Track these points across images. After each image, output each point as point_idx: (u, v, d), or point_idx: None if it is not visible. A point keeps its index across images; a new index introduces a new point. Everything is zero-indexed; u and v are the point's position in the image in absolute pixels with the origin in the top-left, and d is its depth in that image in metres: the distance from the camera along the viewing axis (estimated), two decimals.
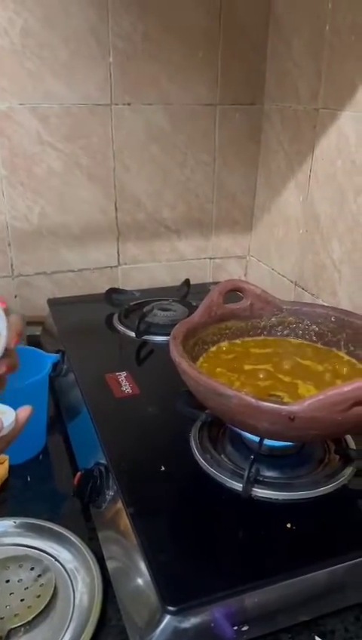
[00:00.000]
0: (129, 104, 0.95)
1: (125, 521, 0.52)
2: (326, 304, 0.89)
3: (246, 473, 0.53)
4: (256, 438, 0.56)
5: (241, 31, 0.96)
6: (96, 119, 0.94)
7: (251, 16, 0.95)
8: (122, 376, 0.75)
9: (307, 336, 0.68)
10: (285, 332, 0.69)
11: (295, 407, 0.46)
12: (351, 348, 0.63)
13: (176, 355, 0.55)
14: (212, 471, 0.57)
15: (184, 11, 0.91)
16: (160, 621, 0.44)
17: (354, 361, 0.63)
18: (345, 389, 0.44)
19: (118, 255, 1.05)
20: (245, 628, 0.46)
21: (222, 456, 0.60)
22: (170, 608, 0.43)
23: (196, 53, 0.95)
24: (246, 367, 0.63)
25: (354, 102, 0.78)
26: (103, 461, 0.60)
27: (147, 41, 0.91)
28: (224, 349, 0.67)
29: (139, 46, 0.91)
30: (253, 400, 0.47)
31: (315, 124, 0.88)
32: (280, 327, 0.69)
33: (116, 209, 1.01)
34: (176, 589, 0.45)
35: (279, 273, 1.05)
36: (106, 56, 0.90)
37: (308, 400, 0.46)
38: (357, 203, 0.80)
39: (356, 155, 0.79)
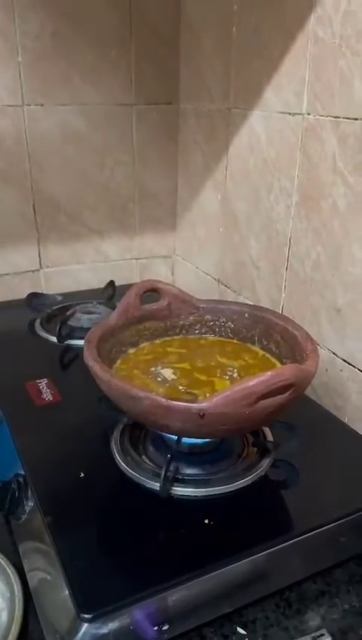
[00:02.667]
0: (42, 105, 0.93)
1: (43, 531, 0.51)
2: (248, 301, 0.91)
3: (163, 472, 0.53)
4: (174, 437, 0.57)
5: (152, 30, 0.96)
6: (7, 121, 0.91)
7: (161, 15, 0.96)
8: (43, 383, 0.74)
9: (224, 334, 0.69)
10: (203, 330, 0.70)
11: (203, 405, 0.47)
12: (264, 342, 0.65)
13: (90, 358, 0.54)
14: (132, 473, 0.57)
15: (93, 11, 0.91)
16: (77, 630, 0.44)
17: (267, 355, 0.64)
18: (250, 383, 0.45)
19: (40, 258, 1.03)
20: (166, 627, 0.46)
21: (143, 457, 0.60)
22: (86, 616, 0.43)
23: (108, 52, 0.94)
24: (163, 366, 0.63)
25: (261, 102, 0.80)
26: (22, 472, 0.59)
27: (57, 41, 0.90)
28: (145, 350, 0.67)
29: (49, 45, 0.90)
30: (163, 400, 0.48)
31: (228, 123, 0.89)
32: (198, 325, 0.70)
33: (34, 211, 0.99)
34: (93, 596, 0.44)
35: (203, 272, 1.06)
36: (15, 55, 0.88)
37: (216, 396, 0.46)
38: (270, 200, 0.82)
39: (267, 154, 0.81)
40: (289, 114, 0.74)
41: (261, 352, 0.65)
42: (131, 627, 0.45)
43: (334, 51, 0.65)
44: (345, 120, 0.65)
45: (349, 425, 0.69)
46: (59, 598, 0.47)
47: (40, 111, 0.93)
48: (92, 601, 0.44)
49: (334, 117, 0.67)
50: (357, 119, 0.64)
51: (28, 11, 0.87)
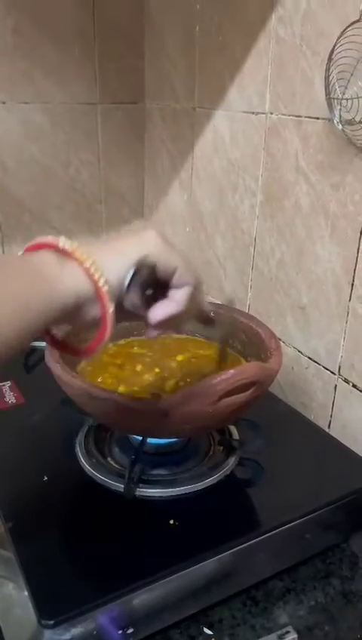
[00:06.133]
0: (4, 102, 0.91)
1: (4, 537, 0.50)
2: (215, 300, 0.91)
3: (127, 474, 0.53)
4: (139, 438, 0.56)
5: (116, 29, 0.95)
6: None
7: (125, 14, 0.95)
8: (6, 386, 0.72)
9: (189, 332, 0.69)
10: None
11: (166, 403, 0.46)
12: (230, 341, 0.65)
13: (51, 360, 0.53)
14: (97, 475, 0.56)
15: (55, 8, 0.89)
16: (40, 637, 0.42)
17: (233, 353, 0.64)
18: (213, 381, 0.45)
19: None
20: (130, 630, 0.46)
21: (109, 459, 0.59)
22: (47, 622, 0.42)
23: (71, 50, 0.93)
24: (129, 367, 0.63)
25: (225, 101, 0.80)
26: None
27: (17, 37, 0.88)
28: (110, 351, 0.67)
29: (10, 42, 0.88)
30: (125, 400, 0.47)
31: (193, 122, 0.89)
32: None
33: None
34: (54, 601, 0.43)
35: None
36: None
37: (179, 395, 0.46)
38: (234, 200, 0.82)
39: (231, 154, 0.81)
40: (253, 113, 0.75)
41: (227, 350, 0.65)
42: (95, 632, 0.44)
43: (295, 51, 0.65)
44: (307, 119, 0.66)
45: (314, 422, 0.69)
46: (21, 604, 0.46)
47: (1, 109, 0.91)
48: (54, 607, 0.43)
49: (296, 116, 0.67)
50: (318, 118, 0.64)
51: None
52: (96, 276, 0.34)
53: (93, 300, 0.35)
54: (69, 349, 0.40)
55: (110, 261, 0.35)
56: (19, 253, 0.36)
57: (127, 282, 0.35)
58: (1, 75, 0.89)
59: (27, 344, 0.33)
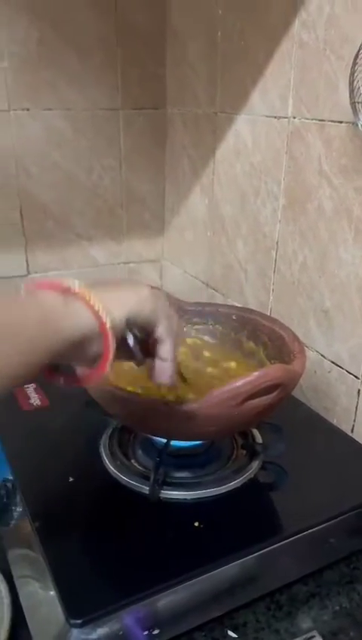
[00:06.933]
0: (28, 109, 0.93)
1: (32, 536, 0.51)
2: (236, 304, 0.91)
3: (152, 476, 0.53)
4: (163, 440, 0.57)
5: (138, 36, 0.96)
6: None
7: (147, 21, 0.96)
8: (31, 388, 0.73)
9: (212, 336, 0.69)
10: (191, 333, 0.70)
11: (192, 406, 0.47)
12: (252, 344, 0.65)
13: None
14: (121, 477, 0.57)
15: (79, 17, 0.91)
16: (67, 636, 0.43)
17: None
18: (237, 384, 0.45)
19: (27, 264, 1.03)
20: (156, 631, 0.46)
21: (132, 461, 0.60)
22: (75, 621, 0.42)
23: (93, 58, 0.94)
24: None
25: (247, 105, 0.80)
26: (10, 477, 0.58)
27: (42, 47, 0.90)
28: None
29: (35, 51, 0.90)
30: (150, 402, 0.48)
31: (215, 127, 0.90)
32: (186, 328, 0.70)
33: (22, 217, 0.99)
34: (81, 601, 0.44)
35: (191, 275, 1.06)
36: (0, 61, 0.88)
37: (203, 397, 0.46)
38: (256, 204, 0.82)
39: (253, 158, 0.81)
40: (275, 117, 0.75)
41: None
42: (121, 632, 0.44)
43: (319, 55, 0.66)
44: (330, 123, 0.66)
45: (337, 426, 0.69)
46: (48, 603, 0.47)
47: (26, 116, 0.93)
48: (81, 607, 0.43)
49: (319, 120, 0.67)
50: (341, 122, 0.64)
51: (13, 18, 0.87)
52: (101, 314, 0.38)
53: (97, 336, 0.38)
54: (66, 379, 0.44)
55: (112, 304, 0.39)
56: (22, 286, 0.40)
57: (124, 323, 0.40)
58: (26, 84, 0.91)
59: (35, 376, 0.37)
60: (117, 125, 1.01)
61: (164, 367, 0.44)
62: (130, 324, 0.41)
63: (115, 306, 0.39)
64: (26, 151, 0.95)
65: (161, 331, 0.43)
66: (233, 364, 0.64)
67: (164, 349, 0.44)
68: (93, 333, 0.38)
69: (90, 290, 0.38)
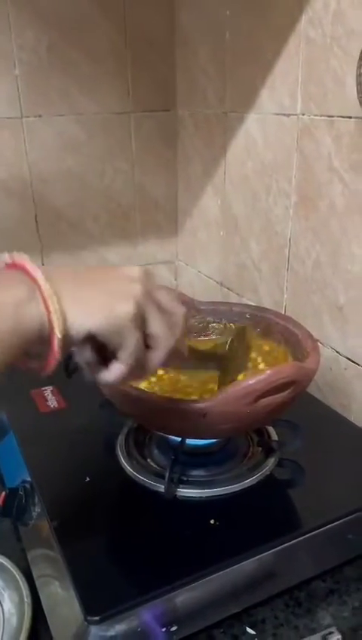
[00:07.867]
0: (40, 116, 0.94)
1: (50, 536, 0.52)
2: (251, 303, 0.91)
3: (167, 474, 0.54)
4: (178, 439, 0.57)
5: (148, 40, 0.97)
6: (6, 133, 0.92)
7: (156, 24, 0.97)
8: (48, 390, 0.74)
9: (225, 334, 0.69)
10: (205, 333, 0.70)
11: (205, 404, 0.47)
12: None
13: None
14: (137, 476, 0.57)
15: (88, 23, 0.92)
16: (85, 633, 0.44)
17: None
18: (249, 382, 0.46)
19: None
20: (174, 628, 0.46)
21: (148, 460, 0.60)
22: (93, 618, 0.43)
23: (104, 64, 0.95)
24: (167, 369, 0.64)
25: (257, 104, 0.81)
26: (28, 478, 0.59)
27: (53, 53, 0.91)
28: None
29: (45, 58, 0.91)
30: (164, 401, 0.48)
31: (225, 127, 0.90)
32: (200, 326, 0.70)
33: (37, 222, 1.00)
34: (99, 598, 0.44)
35: (206, 275, 1.07)
36: (12, 69, 0.90)
37: (217, 395, 0.47)
38: (268, 202, 0.82)
39: (263, 156, 0.82)
40: (284, 115, 0.75)
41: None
42: (139, 629, 0.45)
43: (326, 51, 0.65)
44: (339, 119, 0.66)
45: (355, 423, 0.69)
46: (67, 601, 0.47)
47: (38, 122, 0.94)
48: (99, 604, 0.44)
49: (328, 116, 0.67)
50: (351, 117, 0.64)
51: (23, 25, 0.88)
52: (54, 323, 0.35)
53: (46, 341, 0.36)
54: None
55: (79, 309, 0.37)
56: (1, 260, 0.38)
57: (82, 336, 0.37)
58: (38, 91, 0.92)
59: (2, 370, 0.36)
60: (128, 128, 1.02)
61: (114, 367, 0.40)
62: (89, 338, 0.37)
63: (81, 313, 0.37)
64: (39, 156, 0.96)
65: (121, 356, 0.39)
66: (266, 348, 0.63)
67: (123, 355, 0.39)
68: (42, 339, 0.36)
69: (56, 291, 0.36)
